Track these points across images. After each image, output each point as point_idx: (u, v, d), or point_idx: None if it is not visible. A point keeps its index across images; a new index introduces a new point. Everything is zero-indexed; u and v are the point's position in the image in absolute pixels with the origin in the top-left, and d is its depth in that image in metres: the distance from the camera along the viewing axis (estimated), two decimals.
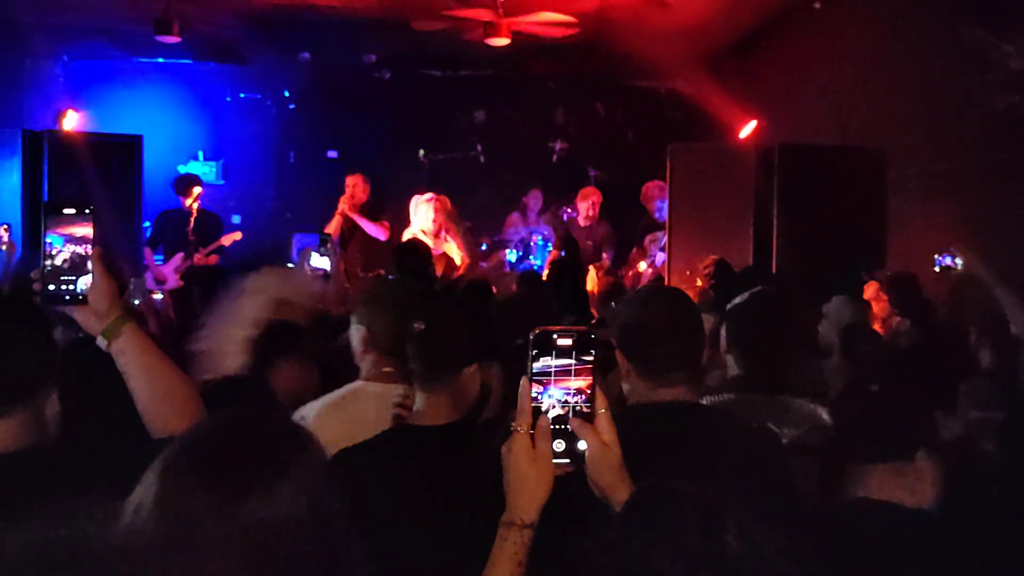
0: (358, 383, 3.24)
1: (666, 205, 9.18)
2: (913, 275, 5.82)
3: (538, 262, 9.87)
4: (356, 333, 3.26)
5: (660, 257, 9.07)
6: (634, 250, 9.43)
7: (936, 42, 7.47)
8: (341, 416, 3.06)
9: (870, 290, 6.36)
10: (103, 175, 7.83)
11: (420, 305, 2.88)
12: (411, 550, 2.25)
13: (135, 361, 2.12)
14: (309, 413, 3.13)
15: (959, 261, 5.83)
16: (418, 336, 2.68)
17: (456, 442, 2.64)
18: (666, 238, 9.05)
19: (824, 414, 2.97)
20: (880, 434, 2.27)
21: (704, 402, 2.64)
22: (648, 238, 9.36)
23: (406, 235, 8.60)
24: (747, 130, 9.42)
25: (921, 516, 2.22)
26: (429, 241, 8.07)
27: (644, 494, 1.42)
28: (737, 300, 3.20)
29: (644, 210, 9.61)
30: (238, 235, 9.10)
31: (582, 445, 1.66)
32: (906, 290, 5.46)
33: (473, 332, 2.77)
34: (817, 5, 8.95)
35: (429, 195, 8.94)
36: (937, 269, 5.97)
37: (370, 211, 9.19)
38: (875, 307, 6.14)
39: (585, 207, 9.99)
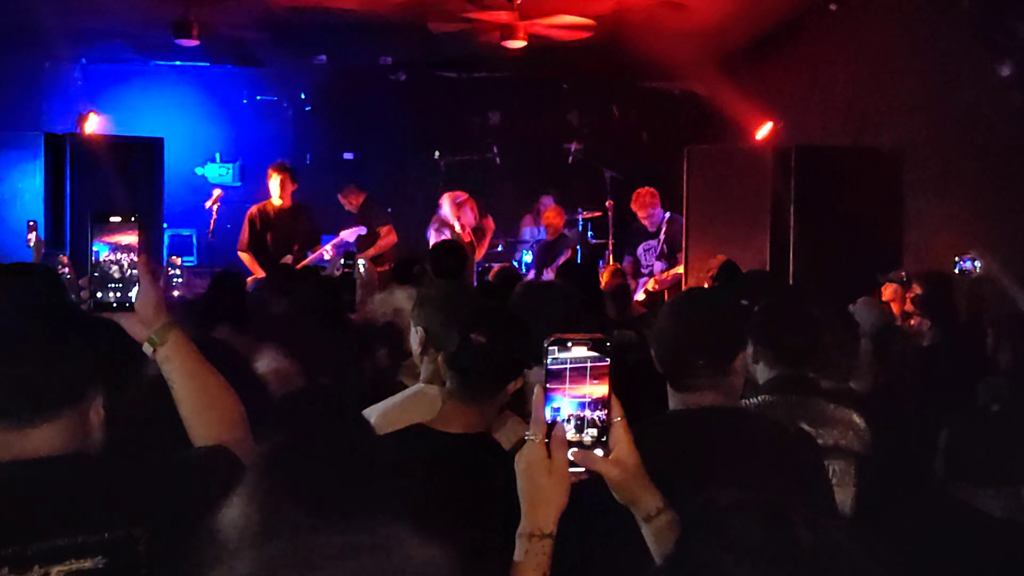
0: (419, 386, 3.19)
1: (656, 212, 9.17)
2: (948, 276, 5.81)
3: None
4: (415, 335, 3.22)
5: (658, 266, 9.07)
6: (627, 260, 9.38)
7: (953, 41, 7.46)
8: (403, 419, 3.01)
9: (888, 291, 6.38)
10: (125, 177, 7.87)
11: (480, 311, 2.75)
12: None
13: (180, 368, 2.14)
14: (371, 416, 3.07)
15: (978, 264, 5.84)
16: (477, 349, 2.53)
17: (477, 453, 2.56)
18: (660, 246, 9.08)
19: (857, 417, 2.98)
20: (999, 458, 2.22)
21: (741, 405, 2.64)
22: (641, 247, 9.34)
23: (433, 235, 8.73)
24: (763, 131, 9.42)
25: None
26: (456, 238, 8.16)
27: (706, 506, 1.41)
28: (762, 303, 3.19)
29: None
30: (363, 230, 9.05)
31: (599, 452, 1.64)
32: (938, 291, 5.44)
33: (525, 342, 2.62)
34: (833, 6, 8.94)
35: (460, 195, 9.06)
36: (957, 272, 5.97)
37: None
38: (894, 308, 6.16)
39: (546, 228, 10.01)
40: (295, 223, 8.78)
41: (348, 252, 6.13)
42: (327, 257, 8.69)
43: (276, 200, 8.77)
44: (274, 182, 8.74)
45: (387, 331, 4.18)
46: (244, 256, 8.63)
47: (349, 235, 8.88)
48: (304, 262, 8.53)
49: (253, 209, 8.83)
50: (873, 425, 2.96)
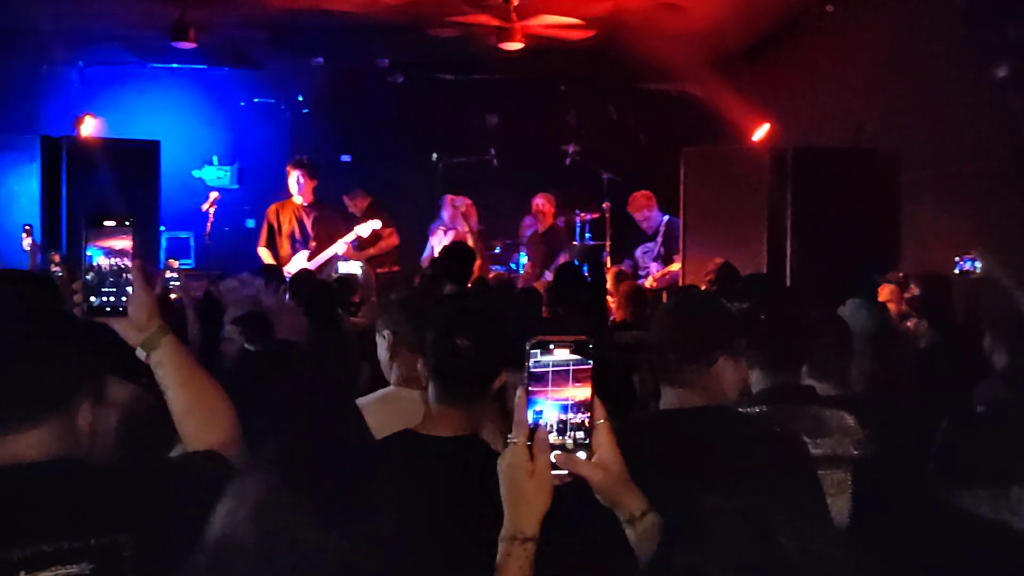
0: (391, 388, 3.16)
1: (653, 214, 9.23)
2: (945, 277, 5.81)
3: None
4: (382, 341, 3.20)
5: (654, 268, 9.10)
6: (625, 263, 9.41)
7: (950, 43, 7.46)
8: (377, 422, 2.97)
9: (885, 292, 6.36)
10: (121, 181, 7.86)
11: (459, 314, 2.70)
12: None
13: (173, 373, 2.14)
14: None
15: (978, 265, 5.83)
16: (461, 353, 2.52)
17: (465, 456, 2.54)
18: (658, 248, 9.11)
19: (853, 421, 2.96)
20: (988, 460, 2.23)
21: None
22: (640, 250, 9.35)
23: (437, 240, 8.81)
24: (760, 133, 9.41)
25: None
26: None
27: (690, 513, 1.41)
28: (753, 308, 3.16)
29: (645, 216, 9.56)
30: (377, 223, 9.08)
31: (582, 455, 1.63)
32: (935, 292, 5.43)
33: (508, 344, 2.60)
34: (830, 8, 8.95)
35: (462, 200, 9.13)
36: (957, 272, 5.96)
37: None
38: (891, 309, 6.14)
39: (535, 214, 10.09)
40: (311, 220, 8.99)
41: (342, 278, 6.30)
42: (341, 253, 8.79)
43: (296, 198, 9.02)
44: (292, 179, 9.00)
45: None
46: (263, 252, 8.90)
47: (363, 230, 8.95)
48: (318, 258, 8.70)
49: (272, 207, 9.13)
50: (869, 428, 2.94)
